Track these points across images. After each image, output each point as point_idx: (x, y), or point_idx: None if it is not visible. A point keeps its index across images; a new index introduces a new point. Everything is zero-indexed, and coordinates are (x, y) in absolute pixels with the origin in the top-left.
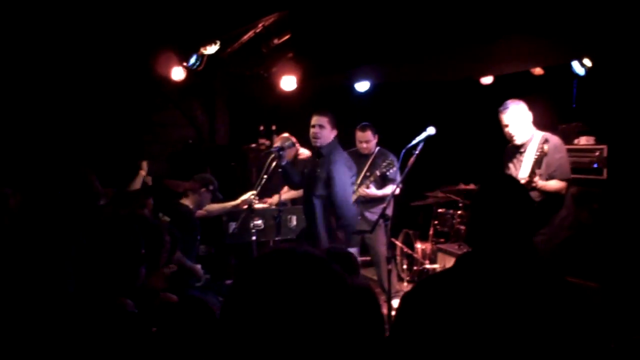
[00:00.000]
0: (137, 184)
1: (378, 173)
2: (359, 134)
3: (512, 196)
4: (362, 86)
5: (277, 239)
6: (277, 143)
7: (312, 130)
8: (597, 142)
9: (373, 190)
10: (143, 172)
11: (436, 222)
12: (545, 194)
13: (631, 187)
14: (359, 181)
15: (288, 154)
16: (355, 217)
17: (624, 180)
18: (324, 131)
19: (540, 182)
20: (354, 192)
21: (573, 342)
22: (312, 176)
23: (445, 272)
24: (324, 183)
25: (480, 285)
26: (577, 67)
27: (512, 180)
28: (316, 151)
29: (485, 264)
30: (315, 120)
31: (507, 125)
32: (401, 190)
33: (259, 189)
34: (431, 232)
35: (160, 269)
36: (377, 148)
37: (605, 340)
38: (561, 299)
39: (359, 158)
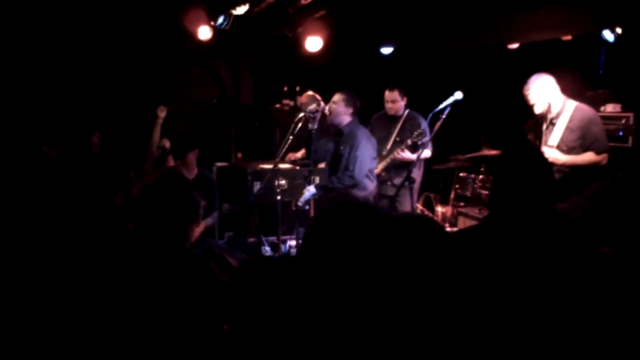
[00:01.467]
0: (156, 133)
1: (409, 142)
2: (387, 94)
3: (531, 163)
4: (387, 49)
5: None
6: (304, 101)
7: (328, 105)
8: (624, 109)
9: (408, 154)
10: (160, 121)
11: (457, 186)
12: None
13: None
14: (388, 147)
15: (318, 118)
16: (370, 196)
17: None
18: (337, 107)
19: (562, 157)
20: (385, 158)
21: (586, 305)
22: (337, 154)
23: (466, 230)
24: (346, 160)
25: (498, 245)
26: (607, 34)
27: (532, 149)
28: (337, 130)
29: (505, 227)
30: (334, 97)
31: (532, 104)
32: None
33: (284, 149)
34: (452, 195)
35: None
36: (407, 111)
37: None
38: (577, 262)
39: (388, 121)
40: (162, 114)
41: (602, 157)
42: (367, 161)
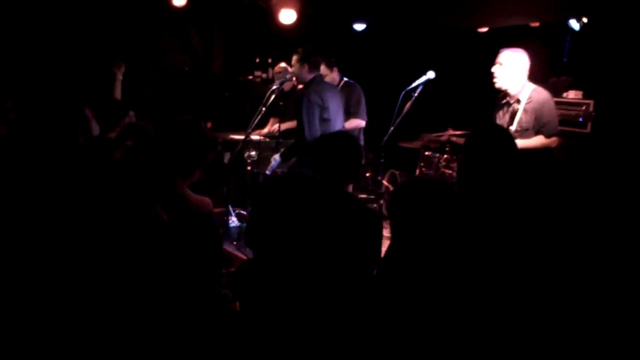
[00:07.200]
0: (117, 91)
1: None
2: None
3: (499, 144)
4: (360, 26)
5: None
6: (277, 71)
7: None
8: (585, 97)
9: None
10: (119, 77)
11: (422, 164)
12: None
13: (613, 142)
14: None
15: (286, 88)
16: None
17: (607, 135)
18: (295, 69)
19: (520, 142)
20: None
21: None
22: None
23: None
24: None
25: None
26: (573, 23)
27: (501, 130)
28: None
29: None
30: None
31: (499, 64)
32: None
33: (256, 120)
34: (417, 173)
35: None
36: (344, 80)
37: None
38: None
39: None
40: (119, 70)
41: (552, 140)
42: (315, 120)
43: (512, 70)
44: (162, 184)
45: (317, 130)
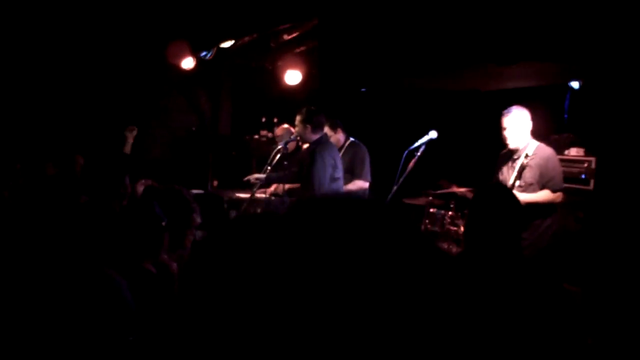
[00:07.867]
0: (127, 150)
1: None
2: None
3: (503, 204)
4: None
5: None
6: (279, 134)
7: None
8: (587, 154)
9: None
10: (130, 140)
11: (427, 221)
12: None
13: (616, 198)
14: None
15: (290, 147)
16: None
17: (609, 191)
18: (298, 129)
19: (521, 197)
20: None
21: (551, 339)
22: (301, 175)
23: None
24: (305, 178)
25: (470, 285)
26: (573, 82)
27: (504, 190)
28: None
29: (477, 265)
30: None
31: (505, 129)
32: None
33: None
34: (422, 230)
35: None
36: (349, 140)
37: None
38: (543, 299)
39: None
40: (131, 134)
41: (557, 196)
42: (325, 179)
43: (515, 130)
44: (152, 242)
45: (326, 188)
